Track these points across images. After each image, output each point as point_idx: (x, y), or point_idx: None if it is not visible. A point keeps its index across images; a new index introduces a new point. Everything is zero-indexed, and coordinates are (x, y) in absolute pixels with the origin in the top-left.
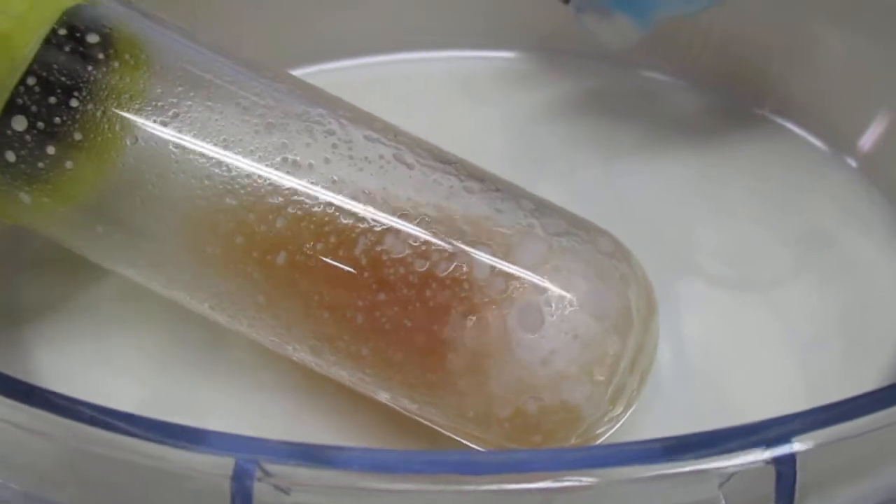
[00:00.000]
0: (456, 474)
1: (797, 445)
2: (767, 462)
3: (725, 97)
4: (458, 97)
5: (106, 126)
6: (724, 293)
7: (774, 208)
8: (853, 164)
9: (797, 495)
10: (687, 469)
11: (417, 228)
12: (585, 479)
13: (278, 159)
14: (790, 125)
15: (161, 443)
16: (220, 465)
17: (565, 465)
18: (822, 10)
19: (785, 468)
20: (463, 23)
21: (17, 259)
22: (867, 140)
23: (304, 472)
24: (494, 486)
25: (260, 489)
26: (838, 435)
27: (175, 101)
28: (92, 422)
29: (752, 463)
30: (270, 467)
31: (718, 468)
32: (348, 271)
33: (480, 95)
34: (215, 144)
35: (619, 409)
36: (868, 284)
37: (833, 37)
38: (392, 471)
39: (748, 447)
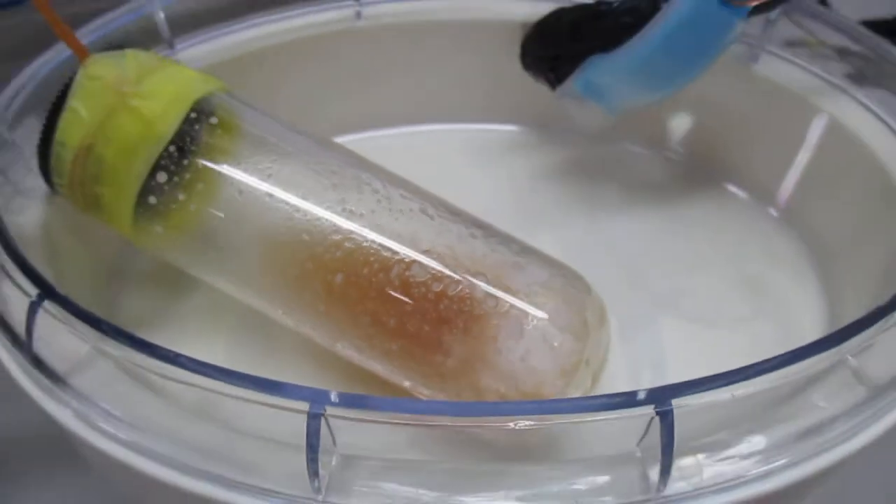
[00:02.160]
0: (449, 416)
1: (675, 404)
2: (657, 413)
3: (685, 165)
4: (469, 161)
5: (220, 180)
6: (684, 325)
7: (721, 255)
8: (775, 214)
9: (676, 445)
10: (599, 418)
11: (435, 261)
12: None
13: (339, 209)
14: (732, 187)
15: (255, 390)
16: (299, 407)
17: (518, 412)
18: (749, 99)
19: (666, 420)
20: (475, 102)
21: (124, 277)
22: (783, 194)
23: (351, 412)
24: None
25: (324, 427)
26: (706, 399)
27: (269, 165)
28: (215, 376)
29: (644, 415)
30: (331, 409)
31: (619, 417)
32: (385, 289)
33: (488, 161)
34: (296, 196)
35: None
36: (797, 321)
37: (757, 114)
38: (412, 413)
39: (641, 404)
